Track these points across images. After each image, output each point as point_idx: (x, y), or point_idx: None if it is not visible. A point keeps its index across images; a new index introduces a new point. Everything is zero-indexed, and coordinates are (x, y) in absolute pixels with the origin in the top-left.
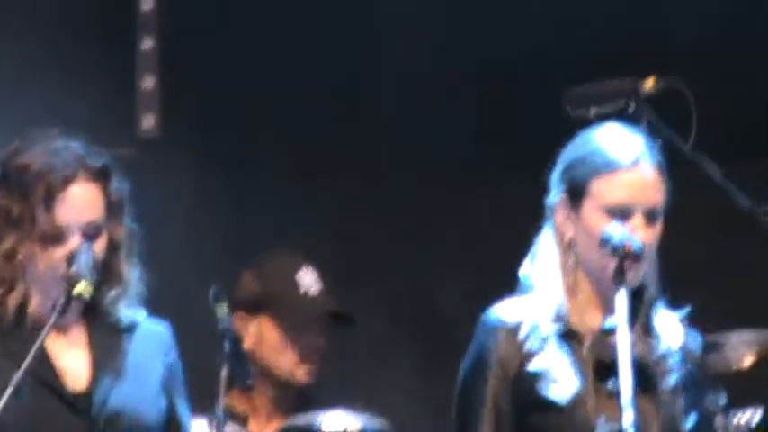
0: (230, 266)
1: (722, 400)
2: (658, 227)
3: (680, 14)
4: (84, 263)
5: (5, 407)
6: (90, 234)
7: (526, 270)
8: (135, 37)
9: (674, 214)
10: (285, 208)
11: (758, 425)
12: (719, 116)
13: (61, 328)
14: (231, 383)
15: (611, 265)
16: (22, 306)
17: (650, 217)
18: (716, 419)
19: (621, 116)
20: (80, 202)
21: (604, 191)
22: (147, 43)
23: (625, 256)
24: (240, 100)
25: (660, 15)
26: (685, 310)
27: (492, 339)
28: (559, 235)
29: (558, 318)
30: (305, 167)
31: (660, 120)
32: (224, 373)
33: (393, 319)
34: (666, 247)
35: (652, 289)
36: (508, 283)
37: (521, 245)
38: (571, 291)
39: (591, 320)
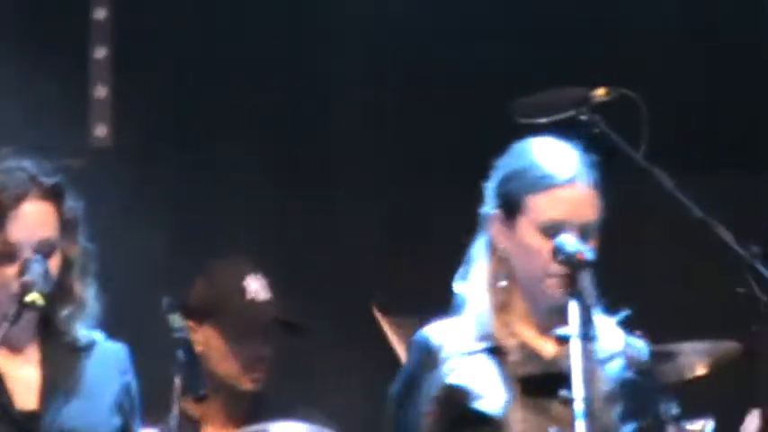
0: (183, 276)
1: (674, 409)
2: (593, 243)
3: (631, 25)
4: (36, 272)
5: None
6: (43, 251)
7: (459, 286)
8: (88, 46)
9: (627, 224)
10: (238, 217)
11: None
12: (674, 128)
13: (15, 347)
14: (185, 392)
15: (549, 281)
16: None
17: (584, 234)
18: (667, 429)
19: (572, 125)
20: (32, 220)
21: (539, 208)
22: (100, 52)
23: (578, 266)
24: (193, 109)
25: (610, 26)
26: (622, 315)
27: (419, 360)
28: (492, 246)
29: (484, 336)
30: (258, 176)
31: (611, 129)
32: (178, 382)
33: (346, 326)
34: (619, 257)
35: (590, 296)
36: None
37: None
38: (501, 305)
39: (521, 334)
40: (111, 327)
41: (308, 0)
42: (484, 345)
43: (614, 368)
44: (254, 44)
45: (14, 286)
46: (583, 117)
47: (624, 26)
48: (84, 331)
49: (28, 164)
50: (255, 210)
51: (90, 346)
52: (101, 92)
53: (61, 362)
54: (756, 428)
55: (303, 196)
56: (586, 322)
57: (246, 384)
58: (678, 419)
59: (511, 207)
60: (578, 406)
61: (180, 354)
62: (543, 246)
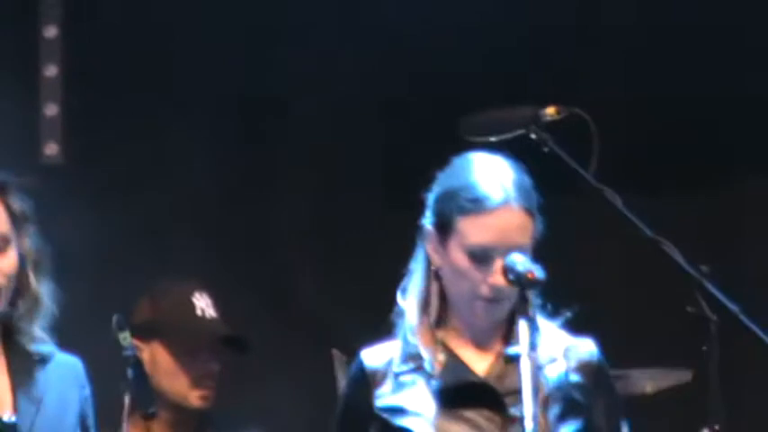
0: (133, 293)
1: (624, 428)
2: None
3: (586, 43)
4: None
5: None
6: None
7: (400, 296)
8: (38, 64)
9: (576, 243)
10: (189, 234)
11: None
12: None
13: None
14: (134, 410)
15: (478, 303)
16: None
17: None
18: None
19: (522, 144)
20: None
21: (469, 230)
22: (51, 70)
23: (529, 285)
24: (144, 126)
25: (565, 44)
26: (564, 317)
27: (353, 385)
28: (428, 262)
29: (412, 356)
30: (209, 193)
31: (561, 148)
32: (127, 400)
33: (293, 342)
34: (568, 277)
35: (533, 304)
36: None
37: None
38: (432, 324)
39: (453, 350)
40: (61, 342)
41: (262, 13)
42: (412, 364)
43: (554, 371)
44: (206, 61)
45: None
46: (533, 136)
47: (579, 43)
48: (40, 333)
49: None
50: (205, 226)
51: (47, 358)
52: (51, 110)
53: (27, 370)
54: None
55: (247, 214)
56: (535, 338)
57: (195, 401)
58: None
59: (443, 227)
60: (528, 425)
61: (129, 371)
62: (471, 269)
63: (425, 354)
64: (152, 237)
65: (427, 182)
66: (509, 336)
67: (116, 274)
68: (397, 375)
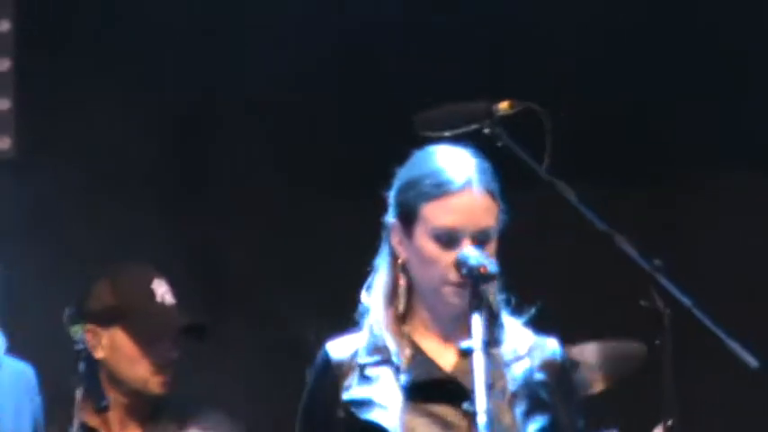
0: (86, 286)
1: (580, 422)
2: (491, 247)
3: (545, 37)
4: None
5: None
6: None
7: (365, 292)
8: None
9: (530, 235)
10: (143, 228)
11: None
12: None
13: None
14: (86, 404)
15: (447, 289)
16: None
17: (480, 239)
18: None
19: (476, 138)
20: None
21: (433, 215)
22: (3, 64)
23: (482, 279)
24: (97, 120)
25: (523, 39)
26: (530, 312)
27: (319, 376)
28: (393, 256)
29: (378, 348)
30: (163, 186)
31: (515, 143)
32: (79, 393)
33: (248, 330)
34: (523, 270)
35: (495, 305)
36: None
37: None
38: (399, 317)
39: (420, 343)
40: (13, 339)
41: (215, 11)
42: (378, 357)
43: (520, 369)
44: (155, 54)
45: None
46: (486, 131)
47: (539, 38)
48: None
49: None
50: (158, 218)
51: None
52: (3, 104)
53: None
54: None
55: (200, 207)
56: (491, 332)
57: (156, 388)
58: None
59: (408, 216)
60: (481, 419)
61: (81, 365)
62: (439, 254)
63: (392, 346)
64: (108, 228)
65: (378, 172)
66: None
67: (72, 266)
68: (362, 367)
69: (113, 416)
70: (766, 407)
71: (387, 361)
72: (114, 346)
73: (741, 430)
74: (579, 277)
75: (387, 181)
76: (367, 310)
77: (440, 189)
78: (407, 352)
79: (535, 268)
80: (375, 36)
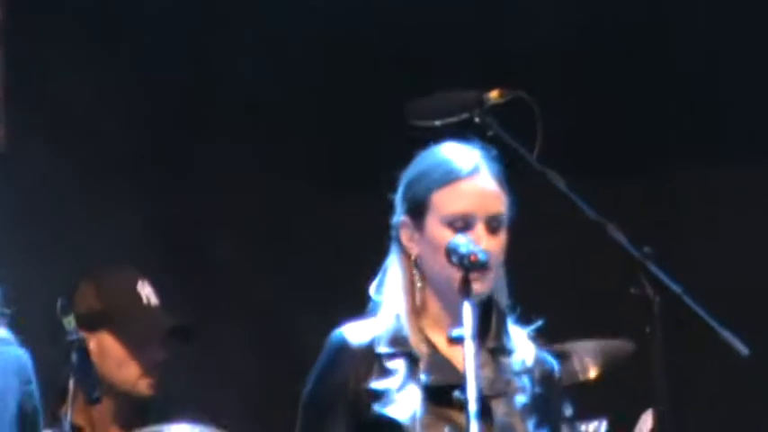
0: (73, 279)
1: (568, 411)
2: (503, 236)
3: (528, 27)
4: None
5: None
6: None
7: (374, 291)
8: None
9: (522, 226)
10: (130, 224)
11: None
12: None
13: None
14: (78, 396)
15: (458, 276)
16: None
17: (493, 226)
18: (561, 430)
19: (466, 128)
20: None
21: (444, 202)
22: None
23: (471, 267)
24: (86, 113)
25: (508, 28)
26: (534, 326)
27: (334, 359)
28: (405, 254)
29: (398, 340)
30: (149, 184)
31: (506, 132)
32: (71, 385)
33: (236, 331)
34: (511, 258)
35: (501, 302)
36: (355, 301)
37: (367, 261)
38: (416, 311)
39: (435, 341)
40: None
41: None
42: (398, 348)
43: (528, 381)
44: (147, 44)
45: None
46: (477, 120)
47: (522, 28)
48: None
49: None
50: (143, 216)
51: None
52: None
53: None
54: (649, 430)
55: (186, 207)
56: (486, 326)
57: (145, 390)
58: (572, 421)
59: (418, 208)
60: (472, 407)
61: (74, 356)
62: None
63: (413, 339)
64: (97, 223)
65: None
66: (482, 325)
67: (62, 260)
68: (380, 357)
69: (99, 418)
70: (756, 395)
71: (405, 354)
72: (102, 350)
73: (731, 418)
74: (568, 267)
75: (376, 174)
76: (379, 304)
77: (449, 176)
78: (424, 348)
79: (525, 259)
80: (374, 28)
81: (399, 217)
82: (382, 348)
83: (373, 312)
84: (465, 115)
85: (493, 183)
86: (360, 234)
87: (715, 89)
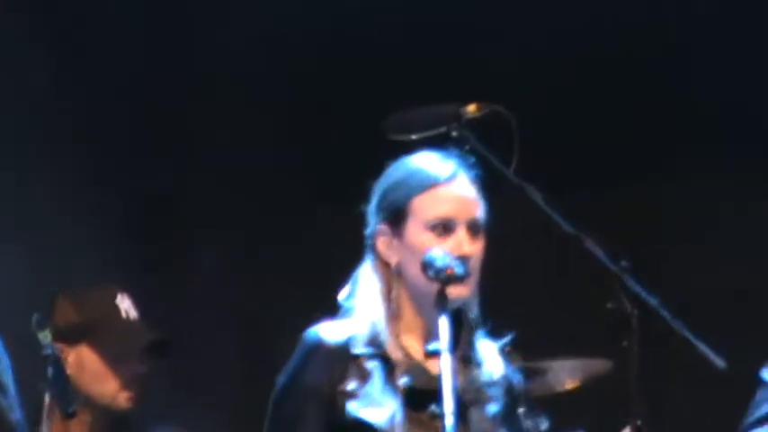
0: (47, 294)
1: (544, 424)
2: (481, 242)
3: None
4: None
5: None
6: None
7: (346, 296)
8: None
9: (499, 239)
10: (96, 230)
11: None
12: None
13: None
14: (54, 409)
15: (435, 288)
16: None
17: (473, 230)
18: None
19: (444, 141)
20: None
21: (425, 207)
22: None
23: (448, 281)
24: (61, 124)
25: (486, 41)
26: (505, 340)
27: (309, 359)
28: (382, 262)
29: (375, 343)
30: (126, 193)
31: (483, 145)
32: (47, 399)
33: (215, 343)
34: (489, 270)
35: (473, 315)
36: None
37: (342, 268)
38: (392, 318)
39: (409, 347)
40: None
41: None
42: (375, 351)
43: (496, 393)
44: (109, 48)
45: None
46: (454, 133)
47: (499, 41)
48: None
49: None
50: (109, 230)
51: None
52: None
53: None
54: None
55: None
56: (457, 337)
57: (124, 403)
58: None
59: (397, 215)
60: (448, 421)
61: (49, 370)
62: (435, 244)
63: (391, 346)
64: (70, 235)
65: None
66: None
67: (33, 275)
68: (357, 358)
69: (77, 429)
70: (733, 407)
71: (381, 357)
72: (81, 364)
73: (708, 430)
74: (544, 281)
75: (358, 184)
76: (354, 309)
77: (429, 181)
78: (399, 353)
79: (500, 272)
80: (368, 34)
81: (375, 226)
82: (359, 349)
83: (345, 315)
84: (442, 129)
85: (471, 188)
86: (343, 242)
87: (694, 100)
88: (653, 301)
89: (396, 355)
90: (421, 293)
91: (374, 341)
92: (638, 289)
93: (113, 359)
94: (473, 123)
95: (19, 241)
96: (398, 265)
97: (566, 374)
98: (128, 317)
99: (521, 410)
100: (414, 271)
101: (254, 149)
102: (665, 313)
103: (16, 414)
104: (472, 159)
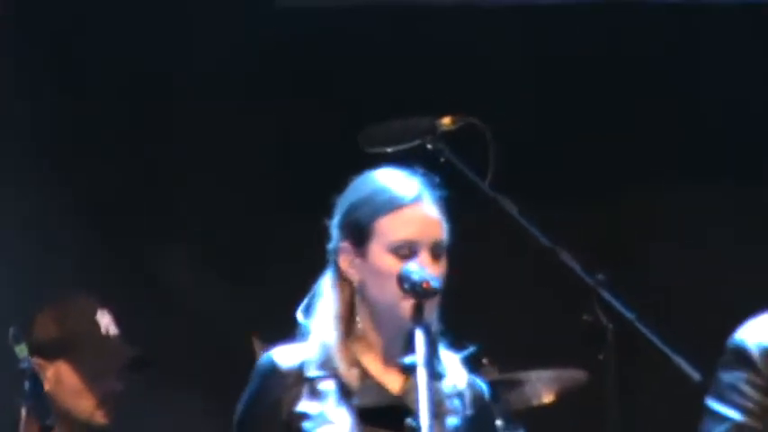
0: (29, 307)
1: None
2: (444, 263)
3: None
4: None
5: None
6: None
7: (304, 312)
8: None
9: (472, 254)
10: (77, 236)
11: None
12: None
13: None
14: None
15: (405, 303)
16: None
17: (436, 252)
18: None
19: (419, 154)
20: None
21: (389, 229)
22: None
23: (424, 294)
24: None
25: (458, 55)
26: (467, 352)
27: (264, 383)
28: (343, 279)
29: (328, 366)
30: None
31: (458, 158)
32: (24, 413)
33: (186, 357)
34: (464, 284)
35: (435, 327)
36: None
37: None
38: (348, 337)
39: (367, 365)
40: None
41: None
42: (326, 372)
43: (459, 404)
44: (99, 48)
45: None
46: (429, 146)
47: (470, 55)
48: None
49: None
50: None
51: None
52: None
53: None
54: None
55: (136, 229)
56: (432, 353)
57: (101, 419)
58: None
59: (360, 234)
60: None
61: (26, 384)
62: (397, 267)
63: (342, 366)
64: (50, 246)
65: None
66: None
67: (13, 287)
68: (311, 381)
69: None
70: None
71: (334, 377)
72: (59, 379)
73: None
74: (520, 293)
75: (329, 198)
76: (311, 330)
77: (393, 203)
78: (354, 372)
79: (476, 286)
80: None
81: (338, 242)
82: (312, 372)
83: (303, 337)
84: (417, 142)
85: (435, 210)
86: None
87: (664, 115)
88: (629, 315)
89: (350, 377)
90: (381, 312)
91: (327, 364)
92: (614, 302)
93: (91, 376)
94: (448, 136)
95: None
96: (360, 283)
97: (542, 386)
98: (107, 333)
99: (498, 423)
100: (375, 291)
101: (243, 153)
102: (641, 327)
103: None
104: (436, 179)
